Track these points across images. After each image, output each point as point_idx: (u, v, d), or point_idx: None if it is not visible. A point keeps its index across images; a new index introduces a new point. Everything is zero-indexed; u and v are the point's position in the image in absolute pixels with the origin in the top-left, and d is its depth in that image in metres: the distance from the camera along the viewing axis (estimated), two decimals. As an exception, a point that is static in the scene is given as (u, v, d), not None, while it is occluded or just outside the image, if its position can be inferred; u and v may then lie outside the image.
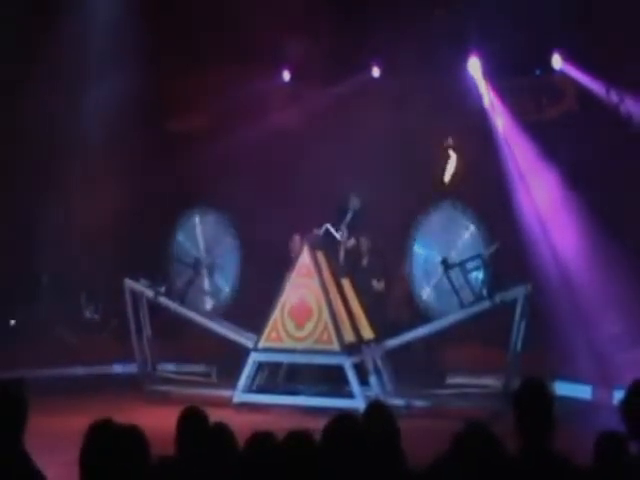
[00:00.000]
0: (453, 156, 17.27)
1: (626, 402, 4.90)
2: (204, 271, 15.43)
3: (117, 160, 16.77)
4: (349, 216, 15.79)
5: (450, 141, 17.02)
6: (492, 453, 4.40)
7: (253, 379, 14.77)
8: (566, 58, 16.57)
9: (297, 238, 15.49)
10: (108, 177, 16.77)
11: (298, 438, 4.70)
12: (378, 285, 16.06)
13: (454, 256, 14.36)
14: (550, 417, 4.81)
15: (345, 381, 14.34)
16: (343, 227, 15.75)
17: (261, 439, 4.81)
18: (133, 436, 4.34)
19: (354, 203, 15.77)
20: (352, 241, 15.87)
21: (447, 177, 17.44)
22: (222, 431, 5.18)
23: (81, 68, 16.43)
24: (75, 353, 16.02)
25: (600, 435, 5.04)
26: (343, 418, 4.88)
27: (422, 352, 15.19)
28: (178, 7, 16.85)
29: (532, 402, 4.83)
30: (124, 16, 16.18)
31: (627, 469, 4.81)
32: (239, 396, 14.51)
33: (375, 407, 5.48)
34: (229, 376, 15.15)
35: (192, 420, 5.59)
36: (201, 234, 15.51)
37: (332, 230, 15.54)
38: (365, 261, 16.23)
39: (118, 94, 16.17)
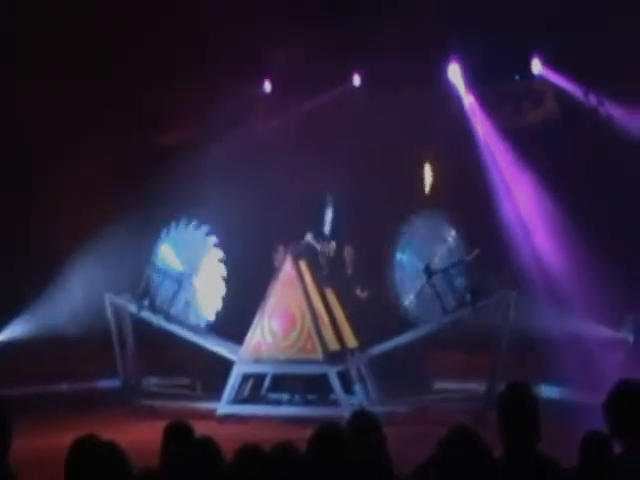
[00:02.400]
0: (427, 168, 17.32)
1: (610, 403, 4.91)
2: (188, 284, 15.37)
3: (100, 173, 16.71)
4: (329, 214, 15.77)
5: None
6: (477, 457, 4.40)
7: (238, 391, 14.75)
8: (545, 63, 16.65)
9: (281, 249, 15.49)
10: (91, 190, 16.70)
11: (284, 450, 4.69)
12: (362, 294, 16.08)
13: (437, 263, 14.38)
14: (534, 420, 4.82)
15: (330, 390, 14.35)
16: (326, 227, 15.72)
17: (249, 451, 4.80)
18: (113, 452, 4.32)
19: (330, 201, 15.77)
20: (333, 244, 15.83)
21: (427, 188, 17.53)
22: (207, 444, 5.16)
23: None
24: (58, 369, 15.91)
25: (585, 436, 5.05)
26: (327, 428, 4.87)
27: (406, 359, 15.18)
28: (161, 21, 16.82)
29: (516, 405, 4.84)
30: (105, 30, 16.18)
31: (611, 469, 4.82)
32: (224, 408, 14.49)
33: (360, 415, 5.48)
34: (214, 389, 15.12)
35: (177, 433, 5.57)
36: (184, 247, 15.46)
37: (313, 242, 15.50)
38: (350, 270, 16.26)
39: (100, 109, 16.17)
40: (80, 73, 16.30)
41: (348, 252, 16.17)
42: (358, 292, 16.00)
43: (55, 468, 4.71)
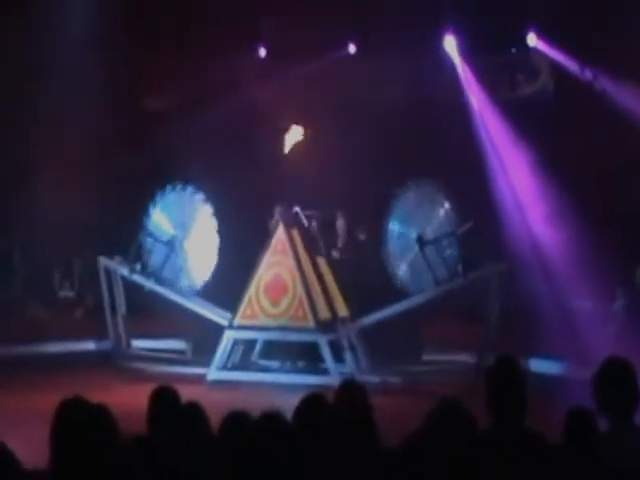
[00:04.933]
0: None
1: (598, 379, 4.92)
2: (180, 248, 15.35)
3: (90, 137, 16.63)
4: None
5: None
6: (464, 431, 4.41)
7: (228, 356, 14.77)
8: (541, 36, 16.59)
9: (277, 215, 15.39)
10: (81, 154, 16.63)
11: (270, 419, 4.69)
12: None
13: (429, 233, 14.39)
14: (522, 394, 4.84)
15: (320, 358, 14.37)
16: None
17: (235, 419, 4.79)
18: (101, 415, 4.32)
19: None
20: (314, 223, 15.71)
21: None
22: (194, 410, 5.16)
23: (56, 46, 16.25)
24: (48, 330, 15.91)
25: (569, 411, 5.06)
26: (313, 398, 4.88)
27: (397, 329, 15.20)
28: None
29: (504, 379, 4.85)
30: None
31: (596, 445, 4.84)
32: (214, 373, 14.51)
33: (348, 385, 5.48)
34: (204, 354, 15.14)
35: (163, 399, 5.56)
36: (177, 212, 15.42)
37: (301, 214, 15.42)
38: (340, 243, 16.27)
39: (91, 73, 16.06)
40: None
41: (340, 224, 16.17)
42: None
43: (41, 428, 4.70)
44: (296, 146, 16.23)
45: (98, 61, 16.25)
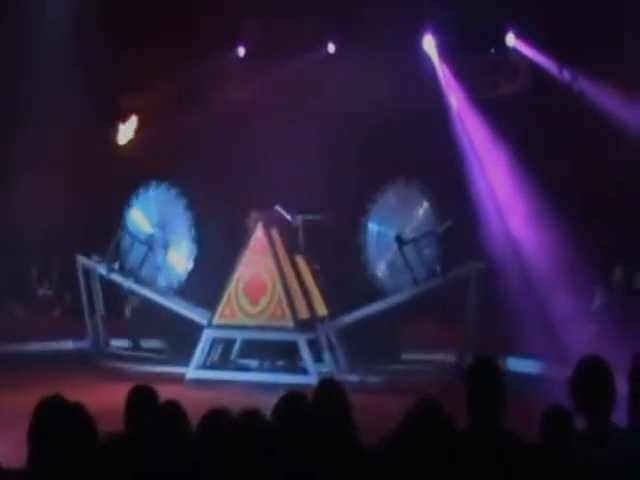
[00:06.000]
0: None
1: (575, 377, 4.93)
2: (158, 247, 15.31)
3: (70, 136, 16.57)
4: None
5: None
6: (442, 430, 4.42)
7: (207, 356, 14.77)
8: (520, 37, 16.64)
9: (254, 215, 15.38)
10: (60, 151, 16.57)
11: (249, 417, 4.68)
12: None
13: (408, 233, 14.41)
14: (500, 394, 4.85)
15: (299, 357, 14.38)
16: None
17: (214, 417, 4.78)
18: (79, 413, 4.31)
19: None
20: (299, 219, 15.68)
21: None
22: (173, 408, 5.15)
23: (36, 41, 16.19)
24: (26, 329, 15.86)
25: (546, 410, 5.07)
26: (291, 396, 4.87)
27: (376, 328, 15.21)
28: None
29: (482, 379, 4.86)
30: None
31: (573, 444, 4.85)
32: (192, 373, 14.50)
33: (326, 384, 5.47)
34: (183, 353, 15.11)
35: (140, 397, 5.55)
36: (155, 210, 15.40)
37: (282, 211, 15.42)
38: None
39: (71, 70, 16.02)
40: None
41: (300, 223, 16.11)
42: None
43: (19, 428, 4.69)
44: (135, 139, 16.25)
45: (78, 61, 16.19)
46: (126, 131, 16.65)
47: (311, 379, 13.10)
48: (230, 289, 14.62)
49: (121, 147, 16.41)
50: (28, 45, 15.88)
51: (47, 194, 16.29)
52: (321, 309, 15.08)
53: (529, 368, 13.72)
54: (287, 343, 14.62)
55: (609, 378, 4.91)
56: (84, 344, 15.74)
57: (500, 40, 16.87)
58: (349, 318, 14.70)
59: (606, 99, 15.59)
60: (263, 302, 14.50)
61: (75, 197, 16.63)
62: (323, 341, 14.68)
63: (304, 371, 14.20)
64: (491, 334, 13.73)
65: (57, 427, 4.26)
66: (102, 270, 15.42)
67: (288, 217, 15.38)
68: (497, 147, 16.39)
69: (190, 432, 4.92)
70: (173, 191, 15.28)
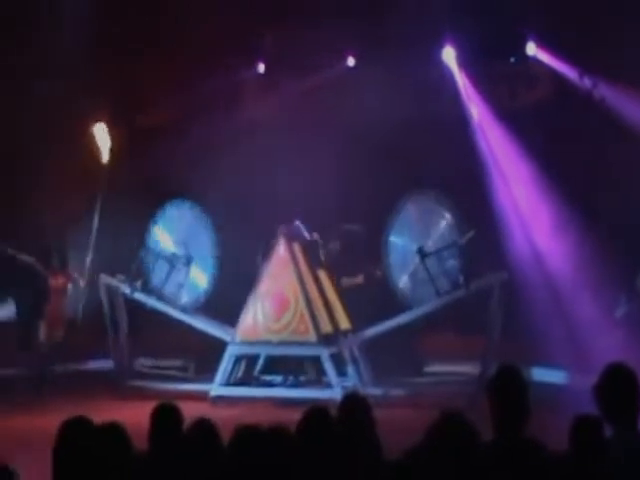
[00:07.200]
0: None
1: (600, 386, 4.91)
2: (181, 265, 15.33)
3: (89, 157, 16.60)
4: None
5: None
6: (467, 443, 4.39)
7: (231, 372, 14.75)
8: (540, 45, 16.60)
9: (279, 230, 15.27)
10: (81, 173, 16.59)
11: (276, 433, 4.67)
12: (349, 281, 15.99)
13: (430, 245, 14.38)
14: (524, 404, 4.82)
15: (323, 372, 14.35)
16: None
17: (245, 433, 4.77)
18: (111, 433, 4.31)
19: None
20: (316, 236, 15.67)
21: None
22: (203, 426, 5.14)
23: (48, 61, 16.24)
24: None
25: (575, 419, 5.03)
26: (315, 411, 4.86)
27: (399, 341, 15.17)
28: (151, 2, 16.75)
29: (506, 390, 4.83)
30: (90, 10, 16.06)
31: (602, 453, 4.82)
32: (216, 390, 14.49)
33: (350, 398, 5.46)
34: (207, 370, 15.12)
35: (164, 416, 5.55)
36: (178, 228, 15.42)
37: (302, 228, 15.40)
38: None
39: (85, 88, 16.07)
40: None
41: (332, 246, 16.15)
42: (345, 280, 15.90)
43: (44, 449, 4.69)
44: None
45: (94, 75, 16.24)
46: (103, 144, 16.56)
47: (335, 393, 13.07)
48: (253, 305, 14.62)
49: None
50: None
51: (65, 211, 16.29)
52: (344, 323, 15.06)
53: (554, 378, 13.65)
54: (310, 358, 14.61)
55: (636, 385, 4.88)
56: (108, 364, 15.75)
57: (520, 49, 16.84)
58: (372, 331, 14.65)
59: (627, 106, 15.52)
60: (286, 317, 14.49)
61: (94, 214, 16.62)
62: (346, 355, 14.65)
63: (328, 385, 14.17)
64: (515, 344, 13.66)
65: (81, 448, 4.26)
66: (125, 289, 15.45)
67: (306, 234, 15.33)
68: (519, 157, 16.33)
69: (222, 449, 4.91)
70: (195, 209, 15.31)
